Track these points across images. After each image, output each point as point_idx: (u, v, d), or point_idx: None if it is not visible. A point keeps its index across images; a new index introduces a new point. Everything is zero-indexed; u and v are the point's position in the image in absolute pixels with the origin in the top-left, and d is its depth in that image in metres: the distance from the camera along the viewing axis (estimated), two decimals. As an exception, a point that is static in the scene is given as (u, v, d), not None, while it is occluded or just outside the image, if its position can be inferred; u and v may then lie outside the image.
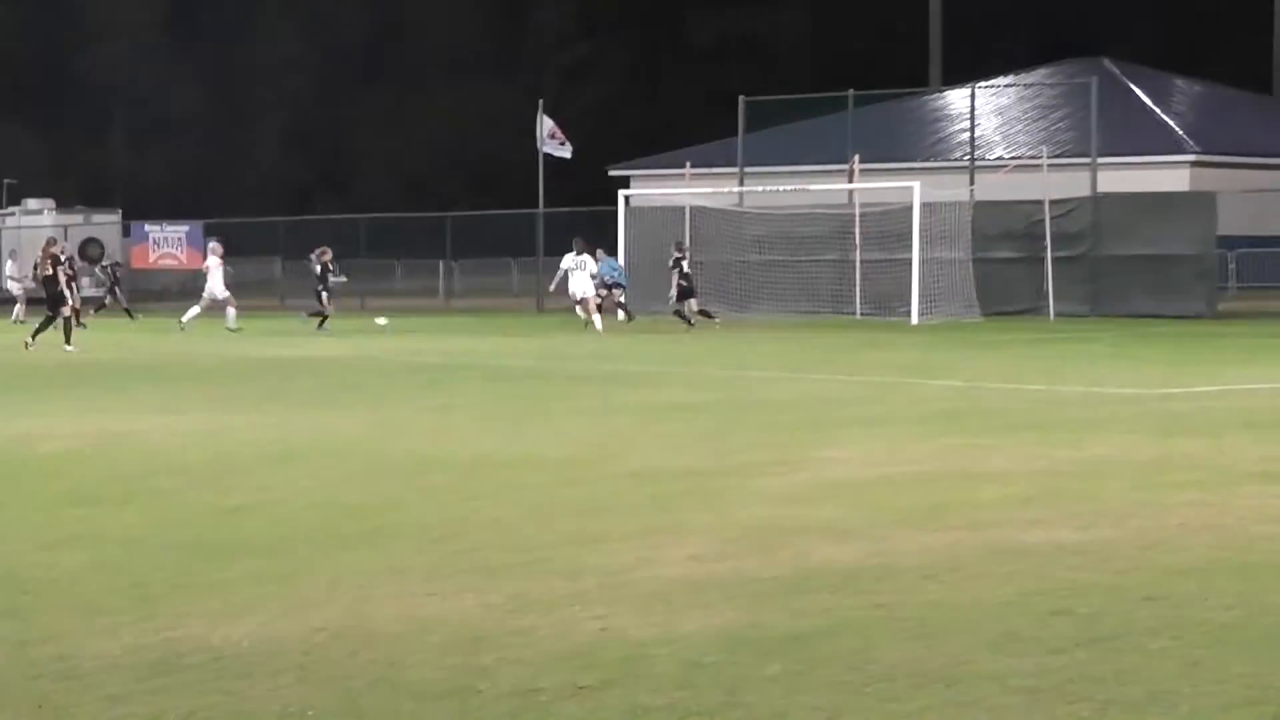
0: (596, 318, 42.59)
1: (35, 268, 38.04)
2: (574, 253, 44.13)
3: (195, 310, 44.21)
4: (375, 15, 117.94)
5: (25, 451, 17.24)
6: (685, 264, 43.98)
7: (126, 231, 67.03)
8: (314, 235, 68.05)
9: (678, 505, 13.23)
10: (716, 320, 43.46)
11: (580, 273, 43.73)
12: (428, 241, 63.69)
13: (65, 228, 70.11)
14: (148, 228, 67.99)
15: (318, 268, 45.77)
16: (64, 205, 74.69)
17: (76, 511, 13.21)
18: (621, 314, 45.01)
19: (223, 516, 12.93)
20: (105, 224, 68.40)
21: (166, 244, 65.96)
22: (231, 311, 43.76)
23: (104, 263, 54.06)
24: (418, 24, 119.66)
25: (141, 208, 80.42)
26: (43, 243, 39.26)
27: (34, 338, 35.91)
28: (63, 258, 37.83)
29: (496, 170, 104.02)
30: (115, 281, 51.44)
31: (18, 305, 50.90)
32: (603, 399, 22.84)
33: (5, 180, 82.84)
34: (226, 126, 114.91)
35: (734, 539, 11.72)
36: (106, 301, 51.97)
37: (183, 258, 66.67)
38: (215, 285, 44.59)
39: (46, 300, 36.99)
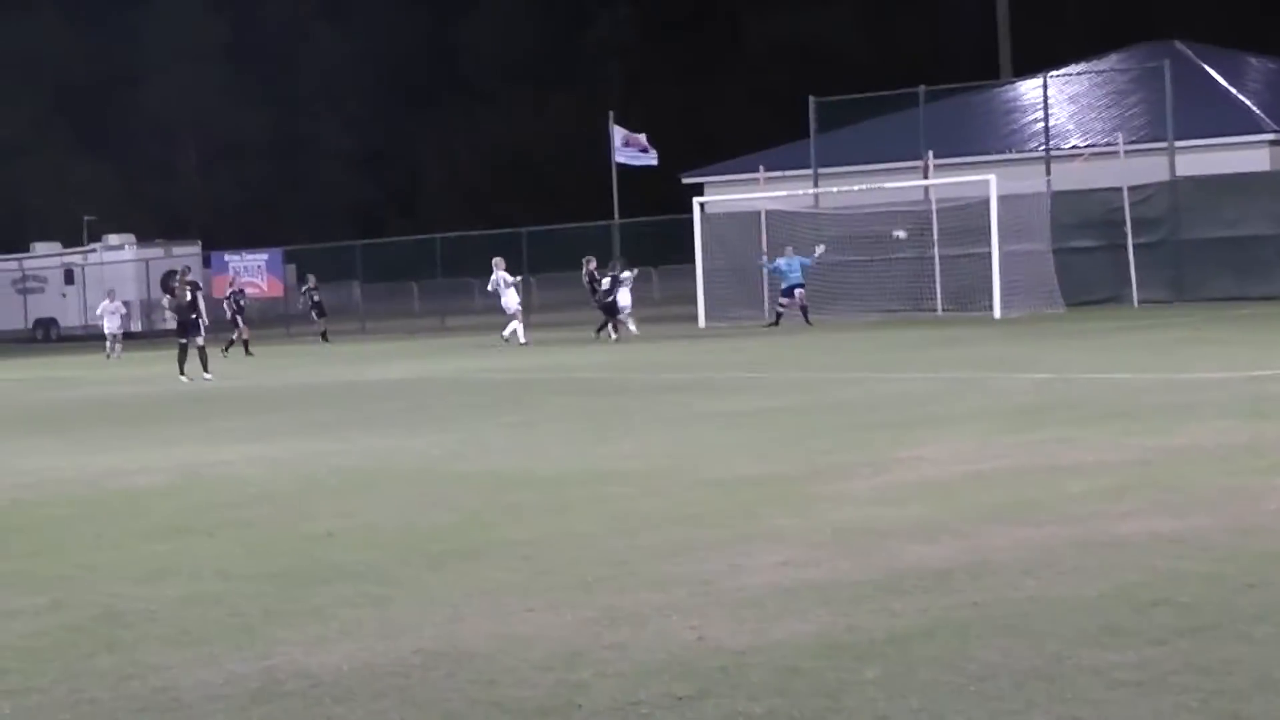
0: (632, 325, 44.41)
1: (173, 294, 38.41)
2: (618, 269, 45.12)
3: (514, 326, 44.62)
4: (433, 31, 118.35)
5: (119, 485, 17.35)
6: (609, 280, 44.50)
7: (207, 262, 67.44)
8: (391, 257, 68.43)
9: (765, 511, 13.19)
10: (634, 332, 44.15)
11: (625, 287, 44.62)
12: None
13: (147, 261, 70.71)
14: (227, 257, 68.39)
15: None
16: (143, 239, 75.23)
17: (171, 544, 13.27)
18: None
19: (313, 543, 12.96)
20: (186, 255, 68.81)
21: (247, 272, 66.31)
22: (516, 326, 44.69)
23: (227, 292, 53.67)
24: (473, 40, 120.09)
25: (217, 237, 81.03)
26: (148, 276, 40.21)
27: (183, 371, 36.26)
28: (201, 285, 39.21)
29: (562, 183, 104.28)
30: (239, 311, 51.00)
31: (112, 343, 51.29)
32: (685, 407, 22.81)
33: (85, 217, 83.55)
34: (292, 152, 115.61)
35: (824, 543, 11.67)
36: (234, 337, 52.08)
37: (264, 285, 67.04)
38: (509, 301, 44.95)
39: (179, 328, 37.42)
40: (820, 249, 46.53)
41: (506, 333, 44.78)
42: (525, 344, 43.58)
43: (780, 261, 46.56)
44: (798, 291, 46.12)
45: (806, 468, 15.62)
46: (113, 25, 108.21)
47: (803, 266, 46.34)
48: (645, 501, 14.11)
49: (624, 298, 44.74)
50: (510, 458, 17.92)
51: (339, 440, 20.85)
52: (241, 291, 53.23)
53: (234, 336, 50.26)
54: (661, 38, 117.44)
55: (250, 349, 48.72)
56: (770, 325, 45.88)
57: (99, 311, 54.22)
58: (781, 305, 46.55)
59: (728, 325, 47.37)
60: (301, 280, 56.25)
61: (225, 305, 51.59)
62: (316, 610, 10.40)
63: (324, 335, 54.54)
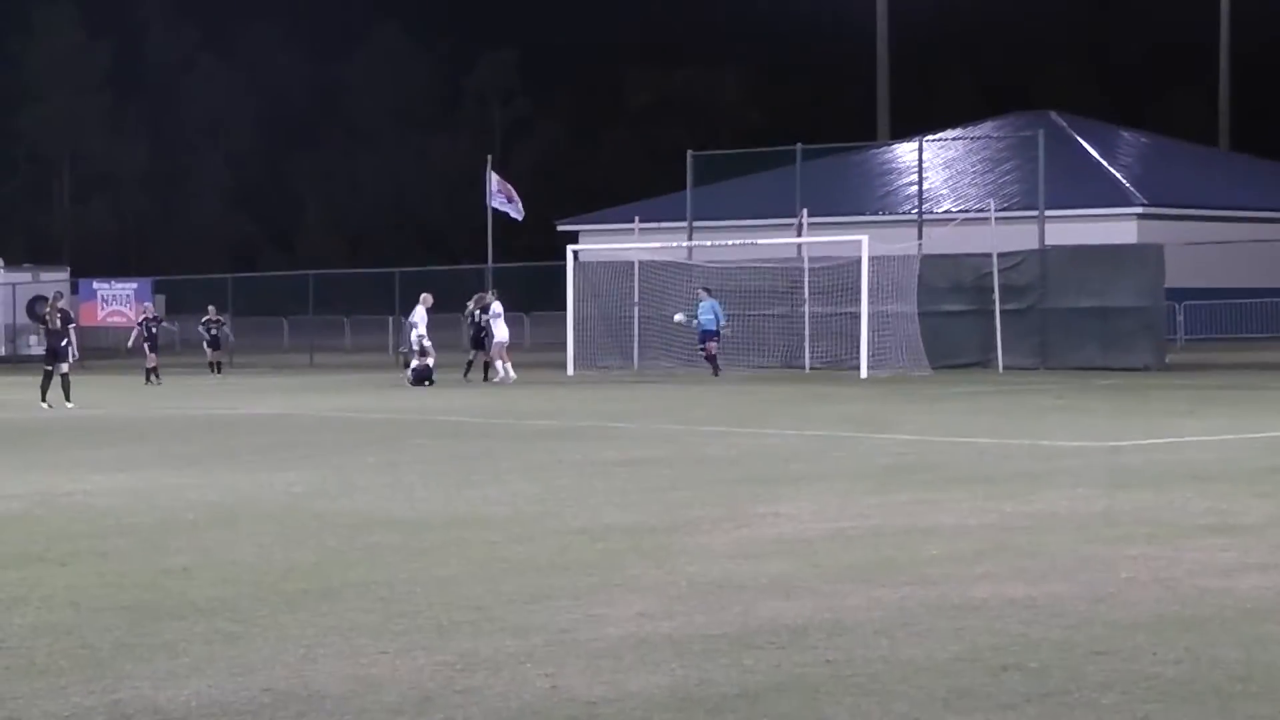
0: (508, 366, 44.07)
1: (43, 320, 37.76)
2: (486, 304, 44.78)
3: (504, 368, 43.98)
4: (317, 71, 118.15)
5: (-30, 511, 17.13)
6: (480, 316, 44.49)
7: (75, 289, 66.71)
8: (262, 291, 68.07)
9: (625, 562, 13.22)
10: (496, 379, 43.72)
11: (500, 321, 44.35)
12: (375, 298, 63.65)
13: (14, 285, 69.86)
14: (96, 285, 67.73)
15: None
16: (11, 263, 74.36)
17: (23, 572, 13.12)
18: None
19: (168, 577, 12.85)
20: (54, 281, 68.04)
21: (115, 300, 65.67)
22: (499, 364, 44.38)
23: (205, 319, 53.49)
24: (359, 80, 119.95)
25: (87, 265, 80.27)
26: (14, 300, 39.28)
27: (44, 397, 35.71)
28: (73, 314, 38.39)
29: (441, 225, 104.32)
30: (150, 339, 49.51)
31: None
32: (550, 454, 22.80)
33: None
34: (169, 183, 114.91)
35: (682, 595, 11.71)
36: (210, 358, 52.88)
37: (131, 314, 66.34)
38: (501, 333, 44.49)
39: (46, 354, 36.91)
40: (679, 317, 46.53)
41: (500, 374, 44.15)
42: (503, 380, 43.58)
43: (701, 309, 46.18)
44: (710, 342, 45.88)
45: (668, 520, 15.66)
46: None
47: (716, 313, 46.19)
48: (507, 547, 14.10)
49: (501, 331, 44.50)
50: (373, 498, 17.85)
51: (200, 474, 20.68)
52: (156, 319, 52.04)
53: (148, 365, 49.42)
54: (545, 86, 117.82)
55: (156, 376, 47.89)
56: (714, 375, 45.42)
57: None
58: (703, 352, 46.23)
59: (597, 374, 47.41)
60: (203, 312, 54.68)
61: (136, 333, 51.01)
62: (168, 645, 10.32)
63: (216, 367, 53.41)
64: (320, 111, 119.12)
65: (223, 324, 55.01)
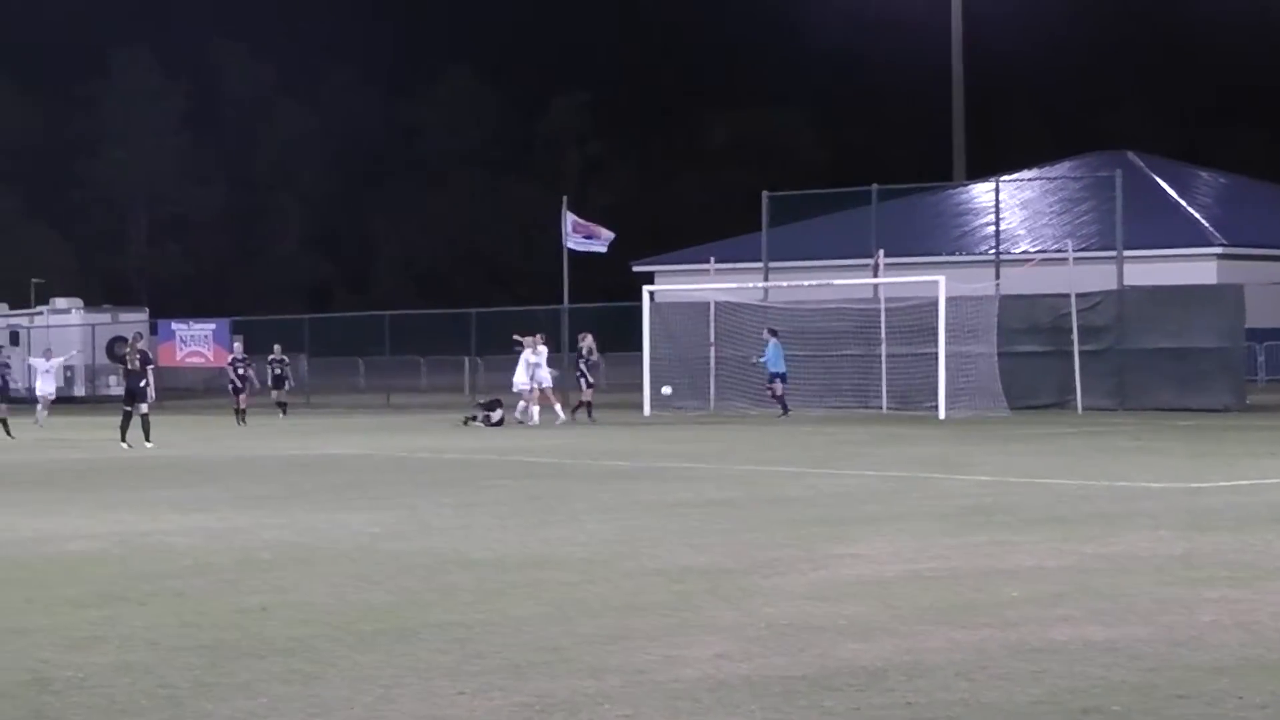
0: (557, 407, 44.56)
1: (124, 361, 38.03)
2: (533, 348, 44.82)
3: (533, 411, 44.32)
4: (392, 112, 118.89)
5: (53, 550, 17.24)
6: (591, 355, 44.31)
7: (154, 329, 67.22)
8: (338, 332, 68.39)
9: (702, 603, 13.17)
10: None
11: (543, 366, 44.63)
12: (451, 338, 63.86)
13: (93, 326, 70.45)
14: (174, 325, 68.21)
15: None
16: (90, 304, 75.00)
17: (103, 611, 13.17)
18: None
19: (246, 616, 12.88)
20: (132, 322, 68.62)
21: (194, 341, 66.13)
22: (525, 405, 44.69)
23: (271, 358, 52.68)
24: (434, 121, 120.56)
25: (164, 306, 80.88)
26: (94, 341, 39.31)
27: (124, 438, 36.02)
28: (151, 355, 38.62)
29: (515, 266, 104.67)
30: (242, 380, 49.77)
31: (42, 406, 47.29)
32: (627, 495, 22.78)
33: (33, 280, 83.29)
34: (245, 224, 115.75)
35: (760, 637, 11.65)
36: (274, 397, 52.08)
37: (209, 354, 66.83)
38: (520, 378, 44.99)
39: (126, 395, 37.16)
40: (755, 359, 46.63)
41: (522, 413, 44.51)
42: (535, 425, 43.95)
43: (769, 350, 46.45)
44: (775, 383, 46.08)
45: (744, 561, 15.61)
46: (71, 93, 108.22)
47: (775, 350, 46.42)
48: (583, 588, 14.08)
49: (546, 377, 44.85)
50: (448, 539, 17.86)
51: (276, 514, 20.75)
52: (245, 361, 51.51)
53: (238, 406, 49.45)
54: (619, 127, 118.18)
55: (244, 419, 47.80)
56: (782, 415, 45.55)
57: (32, 366, 50.12)
58: (769, 392, 46.46)
59: (672, 414, 47.39)
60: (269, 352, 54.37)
61: (229, 373, 51.02)
62: (246, 685, 10.34)
63: (282, 408, 52.64)
64: (395, 152, 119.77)
65: (286, 363, 54.03)
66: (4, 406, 42.29)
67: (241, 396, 49.24)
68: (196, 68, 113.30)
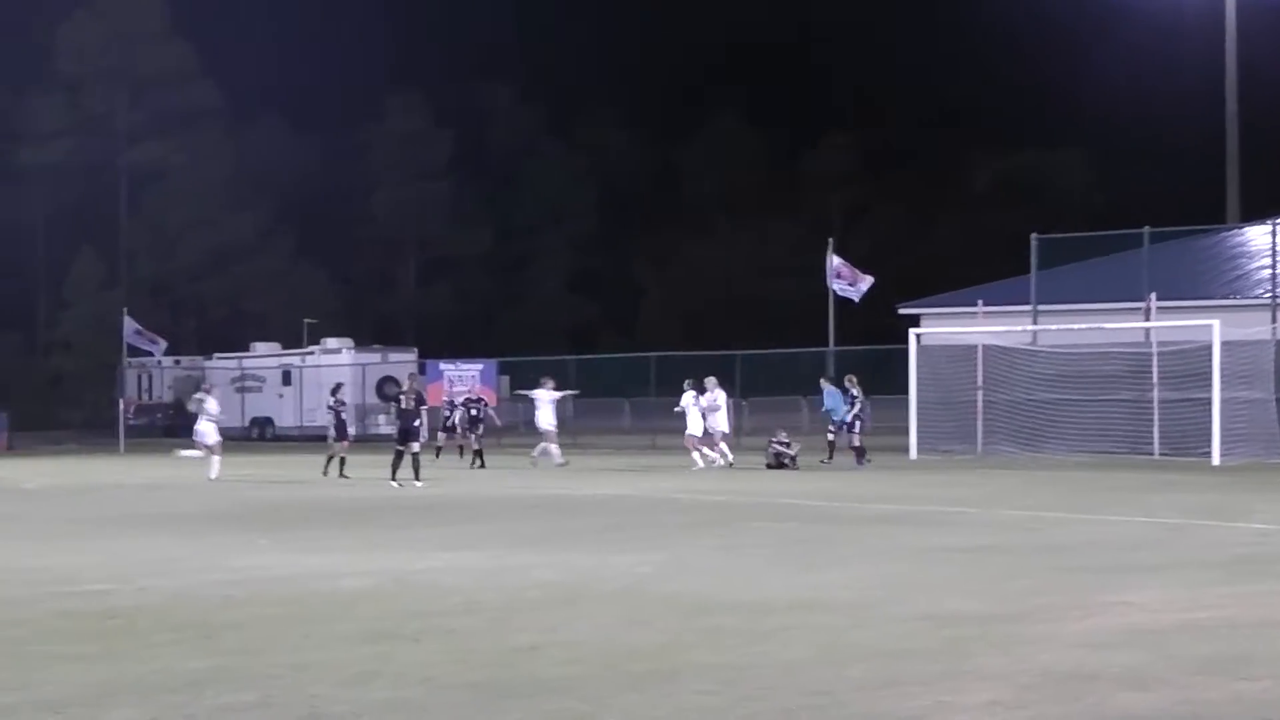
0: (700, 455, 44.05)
1: (398, 401, 38.58)
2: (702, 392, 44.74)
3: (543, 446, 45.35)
4: (655, 154, 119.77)
5: (326, 587, 17.54)
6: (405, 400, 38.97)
7: (422, 370, 68.27)
8: (604, 373, 68.86)
9: (973, 649, 13.01)
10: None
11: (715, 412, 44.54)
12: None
13: (364, 366, 71.77)
14: (442, 366, 69.18)
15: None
16: (360, 344, 76.42)
17: (376, 648, 13.35)
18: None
19: (516, 655, 12.97)
20: (402, 362, 69.77)
21: (461, 381, 67.04)
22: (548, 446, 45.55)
23: (466, 398, 50.73)
24: (697, 164, 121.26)
25: (432, 346, 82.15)
26: (364, 380, 39.31)
27: (395, 476, 36.65)
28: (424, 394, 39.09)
29: (778, 308, 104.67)
30: (479, 418, 48.29)
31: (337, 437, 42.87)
32: (893, 539, 22.62)
33: (305, 320, 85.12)
34: (511, 266, 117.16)
35: (1033, 684, 11.48)
36: (460, 443, 49.24)
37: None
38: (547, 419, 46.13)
39: (399, 434, 37.74)
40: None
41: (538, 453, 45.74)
42: (562, 464, 45.11)
43: (828, 395, 46.60)
44: (847, 428, 45.80)
45: (1014, 607, 15.39)
46: (341, 138, 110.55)
47: (834, 398, 46.44)
48: (850, 632, 13.98)
49: (545, 419, 45.45)
50: (713, 580, 17.85)
51: (542, 553, 20.91)
52: (479, 400, 50.54)
53: (460, 443, 48.92)
54: (884, 168, 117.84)
55: (480, 459, 46.68)
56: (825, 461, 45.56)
57: (329, 405, 44.71)
58: (832, 434, 46.35)
59: (939, 458, 46.99)
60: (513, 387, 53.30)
61: (454, 412, 49.87)
62: (517, 723, 10.40)
63: (477, 455, 47.38)
64: (659, 194, 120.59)
65: (484, 404, 50.95)
66: (343, 445, 41.85)
67: (472, 436, 47.97)
68: (463, 111, 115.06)
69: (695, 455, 44.07)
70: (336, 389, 44.50)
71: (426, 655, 13.00)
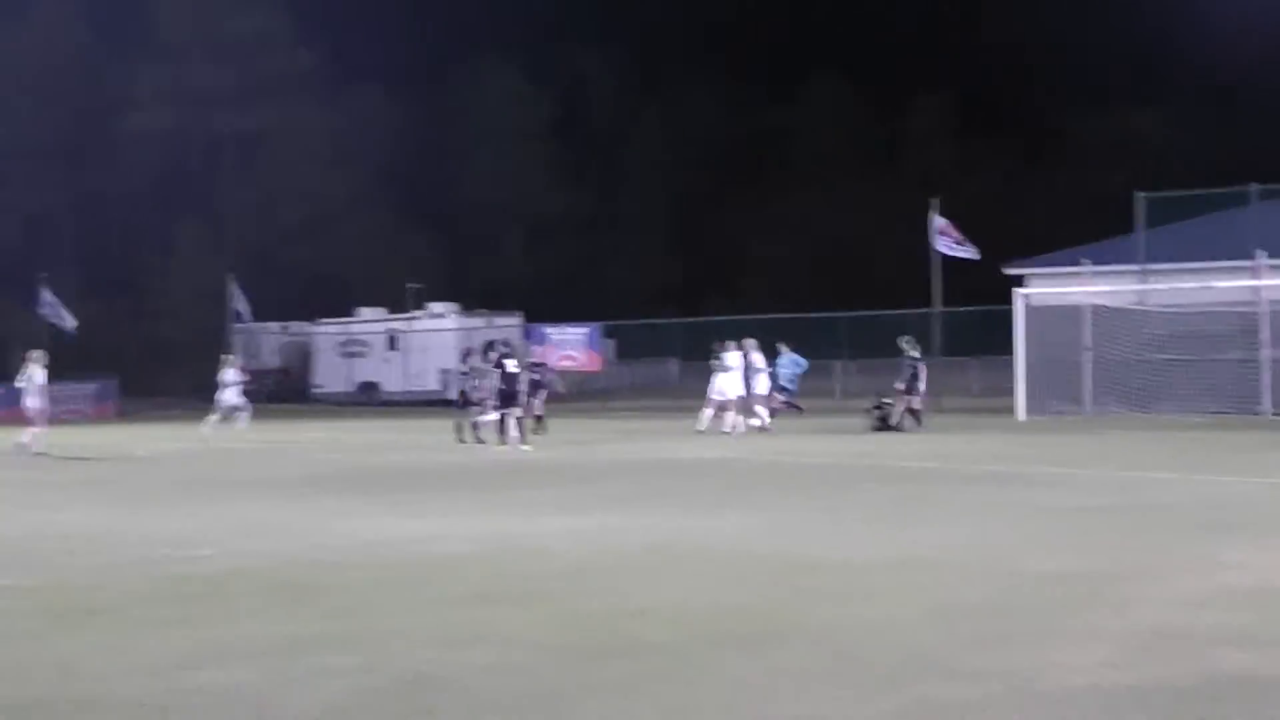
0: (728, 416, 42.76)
1: (502, 365, 38.57)
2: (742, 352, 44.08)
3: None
4: (756, 114, 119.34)
5: (429, 550, 17.55)
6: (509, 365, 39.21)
7: (527, 334, 68.36)
8: (708, 336, 68.66)
9: (1083, 608, 12.86)
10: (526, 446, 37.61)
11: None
12: (820, 341, 63.70)
13: (469, 330, 71.91)
14: (547, 329, 69.23)
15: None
16: (466, 309, 76.54)
17: (481, 611, 13.34)
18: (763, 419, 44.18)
19: (622, 618, 12.92)
20: (507, 326, 69.88)
21: (565, 345, 67.08)
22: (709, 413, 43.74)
23: (531, 360, 45.77)
24: (799, 124, 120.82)
25: (536, 309, 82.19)
26: (457, 343, 39.18)
27: (506, 439, 36.82)
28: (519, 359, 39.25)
29: (882, 270, 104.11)
30: (540, 382, 44.87)
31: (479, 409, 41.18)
32: (1000, 499, 22.42)
33: (408, 285, 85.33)
34: (613, 228, 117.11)
35: (1145, 645, 11.33)
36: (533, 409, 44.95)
37: (582, 358, 67.73)
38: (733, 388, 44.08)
39: (501, 398, 37.81)
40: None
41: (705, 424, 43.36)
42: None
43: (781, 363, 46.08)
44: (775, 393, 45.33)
45: (1125, 566, 15.21)
46: (437, 101, 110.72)
47: (796, 367, 46.25)
48: (960, 591, 13.85)
49: (736, 384, 43.56)
50: (817, 541, 17.75)
51: (646, 516, 20.87)
52: (542, 364, 47.92)
53: (535, 413, 47.71)
54: (987, 126, 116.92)
55: (542, 424, 44.19)
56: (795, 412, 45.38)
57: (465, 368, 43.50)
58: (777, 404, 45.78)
59: (1048, 419, 46.63)
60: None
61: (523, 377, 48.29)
62: (624, 686, 10.36)
63: (539, 420, 44.48)
64: (760, 154, 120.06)
65: (547, 367, 48.99)
66: (521, 409, 39.84)
67: (535, 402, 43.80)
68: (560, 72, 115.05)
69: (706, 413, 43.12)
70: (467, 354, 44.08)
71: (533, 619, 12.97)
